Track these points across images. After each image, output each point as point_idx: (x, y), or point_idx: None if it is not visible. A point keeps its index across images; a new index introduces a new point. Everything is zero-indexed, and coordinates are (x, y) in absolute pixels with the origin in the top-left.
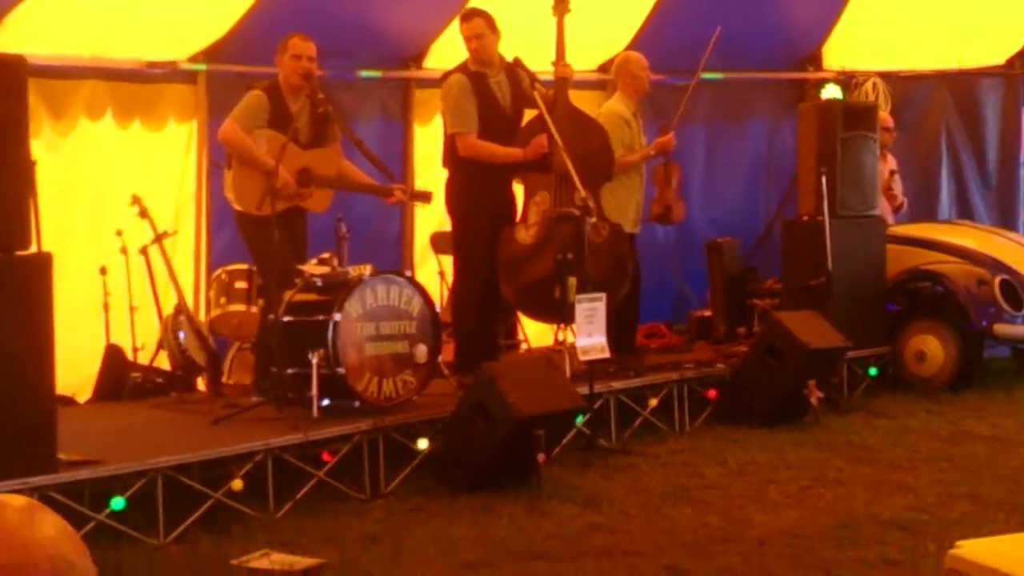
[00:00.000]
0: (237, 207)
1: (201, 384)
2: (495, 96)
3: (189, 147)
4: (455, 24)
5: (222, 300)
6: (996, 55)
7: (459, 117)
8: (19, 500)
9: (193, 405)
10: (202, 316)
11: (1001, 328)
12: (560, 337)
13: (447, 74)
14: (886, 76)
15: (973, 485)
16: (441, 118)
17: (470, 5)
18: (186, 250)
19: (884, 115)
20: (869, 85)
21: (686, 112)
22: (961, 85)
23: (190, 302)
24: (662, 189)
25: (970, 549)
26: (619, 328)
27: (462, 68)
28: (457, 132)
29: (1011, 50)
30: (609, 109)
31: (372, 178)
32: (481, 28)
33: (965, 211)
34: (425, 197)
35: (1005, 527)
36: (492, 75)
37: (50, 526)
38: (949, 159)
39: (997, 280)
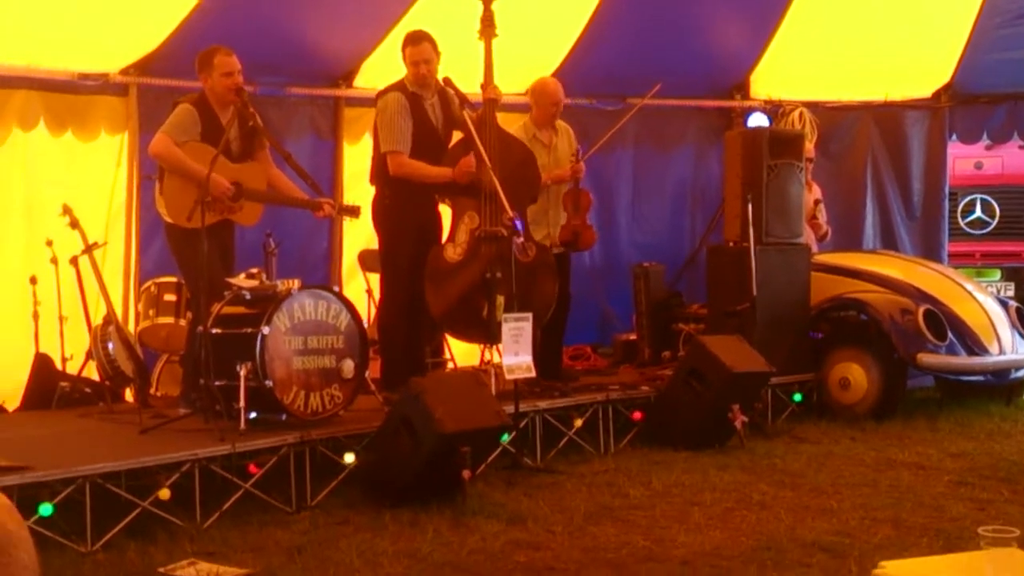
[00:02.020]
0: (167, 219)
1: (129, 395)
2: (429, 118)
3: (120, 159)
4: (385, 43)
5: (151, 312)
6: (922, 88)
7: (394, 135)
8: None
9: (121, 415)
10: (131, 328)
11: (925, 358)
12: (487, 356)
13: (383, 92)
14: (813, 106)
15: (896, 510)
16: (371, 136)
17: (409, 28)
18: (116, 261)
19: (806, 145)
20: (796, 115)
21: (613, 138)
22: (887, 117)
23: (119, 313)
24: (570, 215)
25: (893, 570)
26: (546, 348)
27: (399, 87)
28: (390, 151)
29: (937, 83)
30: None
31: (302, 191)
32: (430, 53)
33: (889, 241)
34: (353, 211)
35: (928, 551)
36: (427, 97)
37: None
38: (874, 189)
39: (921, 310)
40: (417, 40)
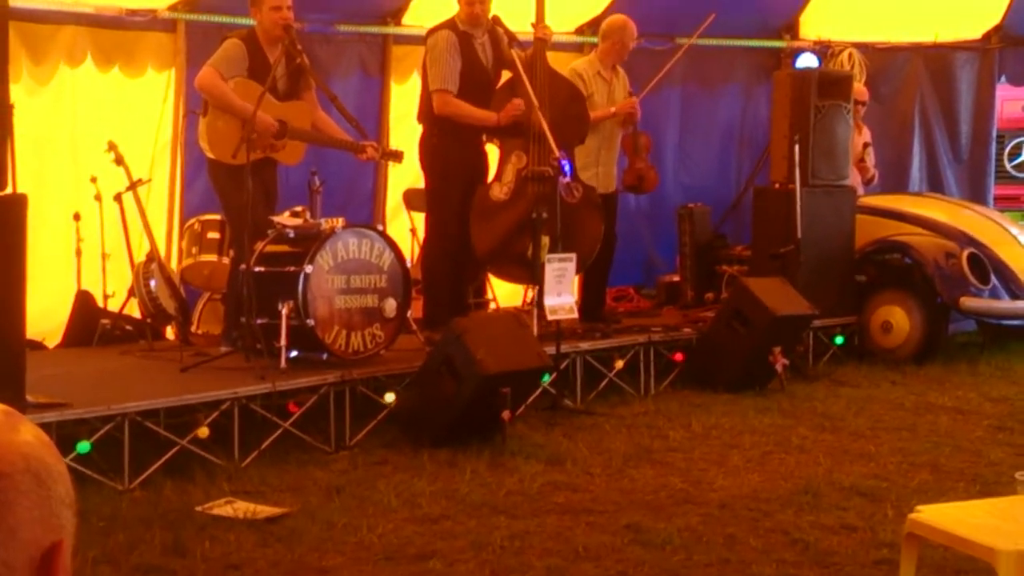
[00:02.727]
0: (210, 155)
1: (171, 333)
2: (479, 57)
3: (167, 95)
4: None
5: (194, 250)
6: (972, 29)
7: (443, 73)
8: None
9: (162, 353)
10: (174, 265)
11: (968, 301)
12: (530, 296)
13: (433, 30)
14: (862, 47)
15: (934, 455)
16: (420, 74)
17: None
18: (160, 199)
19: (860, 87)
20: (845, 55)
21: (660, 78)
22: (936, 59)
23: (162, 251)
24: (632, 159)
25: (929, 514)
26: (589, 290)
27: (450, 25)
28: (438, 89)
29: (987, 25)
30: (572, 68)
31: (346, 133)
32: None
33: (936, 184)
34: (396, 156)
35: (964, 496)
36: (478, 36)
37: (28, 432)
38: (922, 132)
39: (965, 253)
40: None
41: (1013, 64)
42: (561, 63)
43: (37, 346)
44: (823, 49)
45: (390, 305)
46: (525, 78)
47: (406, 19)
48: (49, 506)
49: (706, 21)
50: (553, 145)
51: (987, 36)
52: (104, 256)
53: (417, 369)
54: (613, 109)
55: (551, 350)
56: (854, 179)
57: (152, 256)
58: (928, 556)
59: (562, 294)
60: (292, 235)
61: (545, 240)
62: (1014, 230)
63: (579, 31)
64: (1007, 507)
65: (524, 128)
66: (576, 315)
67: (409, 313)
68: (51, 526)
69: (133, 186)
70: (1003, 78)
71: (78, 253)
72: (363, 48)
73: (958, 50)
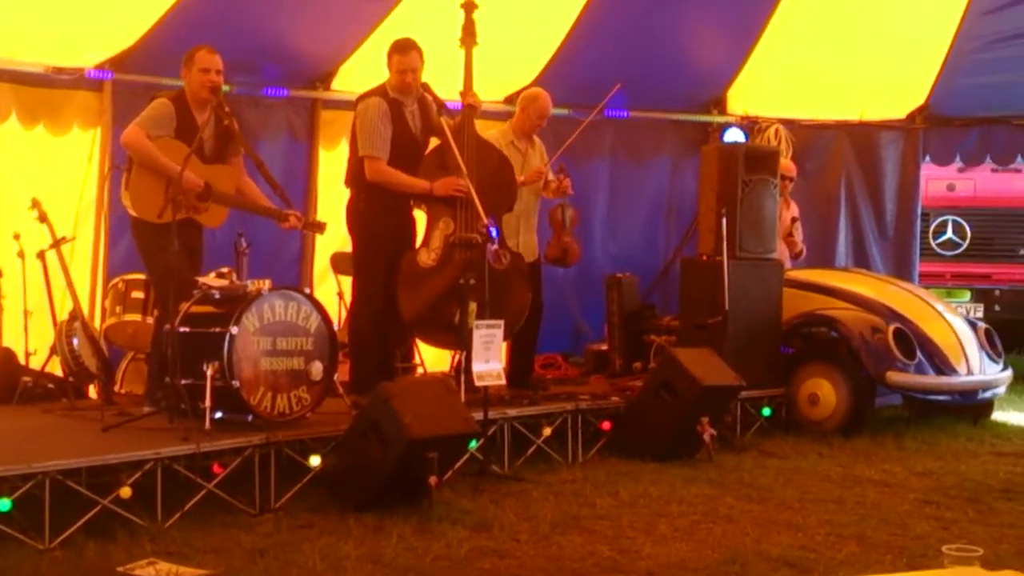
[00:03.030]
0: (133, 213)
1: (93, 392)
2: (409, 125)
3: (92, 154)
4: (364, 47)
5: (118, 309)
6: (897, 109)
7: (373, 141)
8: None
9: (84, 412)
10: (97, 324)
11: (893, 376)
12: (457, 361)
13: (364, 96)
14: (789, 123)
15: (861, 527)
16: (349, 139)
17: (389, 33)
18: (84, 257)
19: (787, 163)
20: (772, 131)
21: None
22: (862, 137)
23: (86, 309)
24: (559, 232)
25: None
26: (517, 357)
27: (381, 92)
28: (369, 155)
29: (912, 105)
30: (487, 137)
31: (270, 200)
32: (417, 62)
33: (861, 260)
34: (319, 227)
35: (891, 569)
36: (408, 104)
37: None
38: (847, 208)
39: (891, 329)
40: (405, 49)
41: (937, 144)
42: (490, 131)
43: None
44: (750, 124)
45: (316, 368)
46: (454, 145)
47: (335, 84)
48: None
49: (611, 92)
50: (481, 212)
51: (912, 116)
52: (26, 313)
53: (343, 432)
54: (522, 178)
55: (479, 416)
56: (782, 253)
57: (75, 314)
58: None
59: (490, 360)
60: (218, 296)
61: (473, 306)
62: (939, 306)
63: (508, 100)
64: None
65: (453, 195)
66: (504, 381)
67: (336, 376)
68: None
69: (57, 244)
70: (927, 158)
71: (0, 310)
72: (291, 112)
73: (883, 129)
